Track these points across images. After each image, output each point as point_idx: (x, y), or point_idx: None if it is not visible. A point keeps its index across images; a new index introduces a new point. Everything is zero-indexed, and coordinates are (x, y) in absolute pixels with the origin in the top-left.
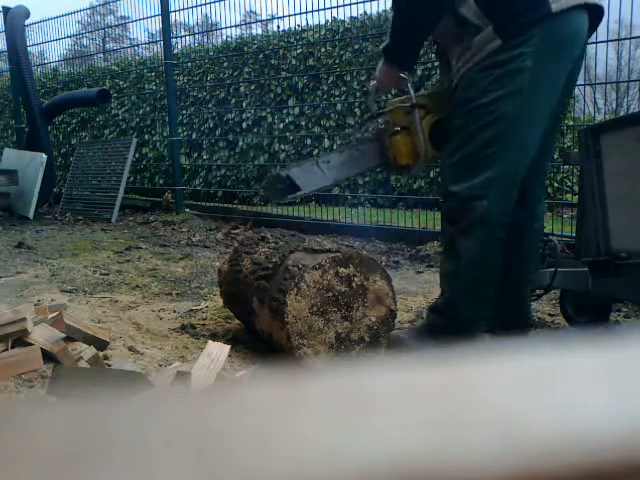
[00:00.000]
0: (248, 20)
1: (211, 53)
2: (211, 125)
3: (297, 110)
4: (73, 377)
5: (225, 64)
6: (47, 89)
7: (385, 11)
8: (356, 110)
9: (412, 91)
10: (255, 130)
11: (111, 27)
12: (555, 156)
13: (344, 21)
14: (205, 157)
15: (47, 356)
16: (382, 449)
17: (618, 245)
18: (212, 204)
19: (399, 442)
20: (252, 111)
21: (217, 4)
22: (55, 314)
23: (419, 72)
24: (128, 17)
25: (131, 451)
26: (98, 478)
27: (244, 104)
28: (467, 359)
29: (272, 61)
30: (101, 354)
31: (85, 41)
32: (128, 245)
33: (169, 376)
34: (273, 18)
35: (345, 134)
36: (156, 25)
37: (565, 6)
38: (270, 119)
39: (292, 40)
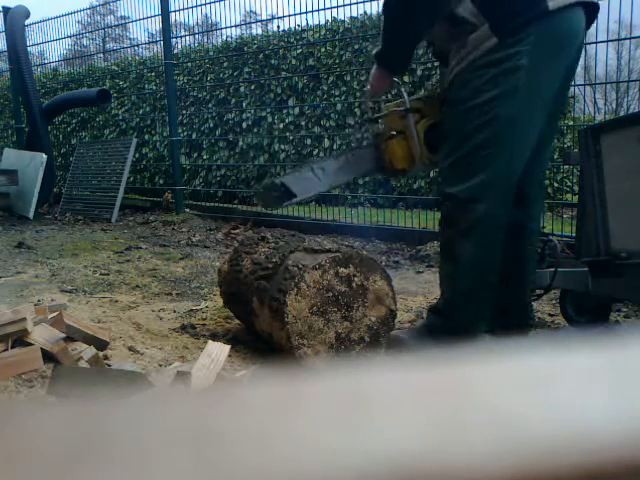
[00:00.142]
0: (248, 20)
1: (211, 53)
2: (211, 125)
3: (297, 110)
4: (73, 377)
5: (225, 64)
6: (47, 89)
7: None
8: (356, 110)
9: (406, 95)
10: (255, 130)
11: (111, 27)
12: (555, 156)
13: (344, 21)
14: (205, 157)
15: (47, 356)
16: (382, 449)
17: (618, 245)
18: (212, 204)
19: (399, 442)
20: (252, 111)
21: (217, 4)
22: (55, 314)
23: (419, 72)
24: (128, 17)
25: (131, 451)
26: (98, 478)
27: (244, 104)
28: (467, 359)
29: (272, 61)
30: (101, 354)
31: (85, 41)
32: (128, 245)
33: (169, 376)
34: (273, 18)
35: (345, 134)
36: (156, 25)
37: (562, 4)
38: (270, 119)
39: (292, 40)
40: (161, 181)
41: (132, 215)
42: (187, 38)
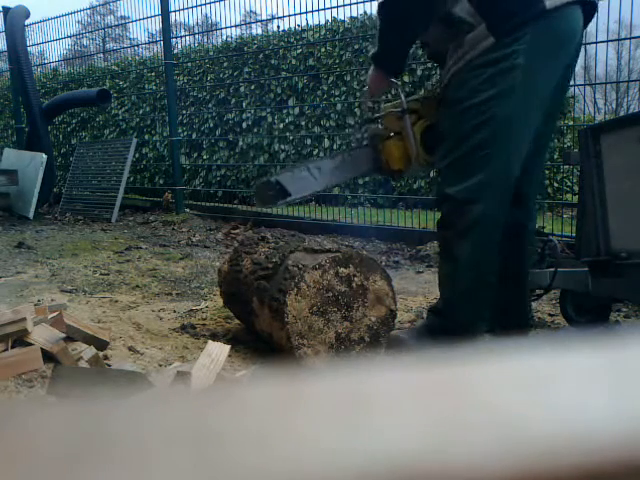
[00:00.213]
0: (248, 20)
1: (211, 53)
2: (211, 125)
3: (297, 110)
4: (73, 377)
5: (225, 64)
6: (47, 89)
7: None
8: (356, 110)
9: (403, 96)
10: (255, 130)
11: (111, 27)
12: (555, 156)
13: (344, 21)
14: (205, 157)
15: (47, 356)
16: (382, 449)
17: (618, 245)
18: (212, 204)
19: (399, 442)
20: (252, 111)
21: (217, 4)
22: (55, 314)
23: (419, 72)
24: (128, 17)
25: (131, 451)
26: (98, 478)
27: (244, 104)
28: (467, 359)
29: (272, 61)
30: (101, 354)
31: (85, 41)
32: (128, 245)
33: (169, 376)
34: (273, 18)
35: (345, 134)
36: (156, 25)
37: (559, 2)
38: (270, 119)
39: (292, 40)
40: (161, 181)
41: (132, 215)
42: (187, 38)
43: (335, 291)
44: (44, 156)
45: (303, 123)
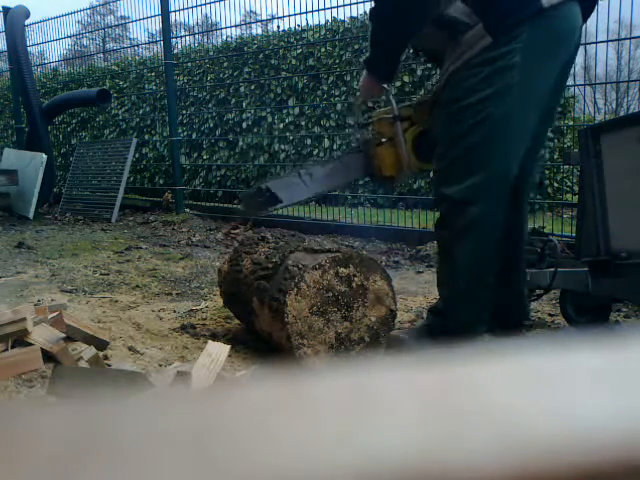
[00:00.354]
0: (248, 20)
1: (211, 53)
2: (211, 125)
3: (297, 110)
4: (73, 377)
5: (225, 64)
6: (47, 89)
7: None
8: (355, 111)
9: (394, 102)
10: (255, 130)
11: (111, 27)
12: (555, 156)
13: (344, 21)
14: (205, 157)
15: (47, 356)
16: (382, 449)
17: (618, 245)
18: (212, 204)
19: (399, 442)
20: (252, 111)
21: (217, 4)
22: (55, 314)
23: (419, 72)
24: (128, 17)
25: (131, 451)
26: (98, 478)
27: (244, 104)
28: (467, 359)
29: (272, 61)
30: (101, 354)
31: (85, 41)
32: (128, 245)
33: (169, 376)
34: (273, 18)
35: (345, 134)
36: (156, 25)
37: (556, 1)
38: (270, 119)
39: (292, 40)
40: (161, 181)
41: (132, 215)
42: (187, 38)
43: (335, 291)
44: (44, 156)
45: (303, 123)
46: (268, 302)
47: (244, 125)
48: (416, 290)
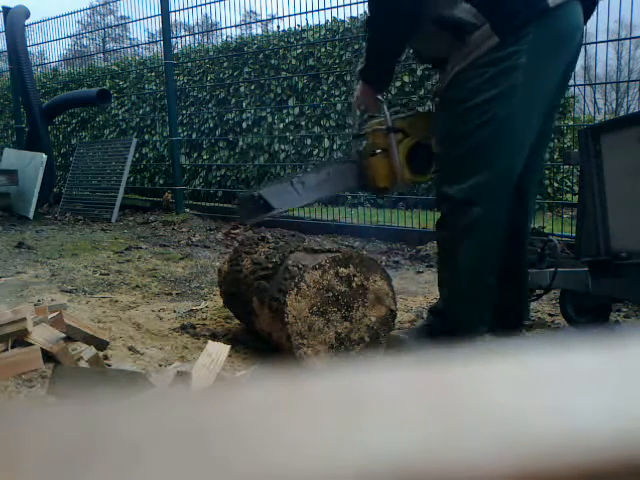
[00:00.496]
0: (248, 20)
1: (211, 53)
2: (211, 125)
3: (297, 110)
4: (73, 377)
5: (225, 64)
6: (47, 89)
7: None
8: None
9: (388, 114)
10: (255, 130)
11: (111, 27)
12: (555, 156)
13: (344, 21)
14: (205, 157)
15: (47, 356)
16: (382, 448)
17: (618, 245)
18: (212, 204)
19: (399, 441)
20: (252, 111)
21: (217, 4)
22: (55, 314)
23: (419, 72)
24: (128, 17)
25: (131, 451)
26: (98, 478)
27: (244, 104)
28: (467, 359)
29: (272, 61)
30: (101, 354)
31: (85, 41)
32: (128, 245)
33: (169, 376)
34: (273, 18)
35: (345, 134)
36: (156, 25)
37: (561, 0)
38: (270, 119)
39: (292, 40)
40: (161, 181)
41: (132, 215)
42: (187, 38)
43: (335, 291)
44: (44, 156)
45: (303, 123)
46: (268, 302)
47: (244, 125)
48: (416, 290)
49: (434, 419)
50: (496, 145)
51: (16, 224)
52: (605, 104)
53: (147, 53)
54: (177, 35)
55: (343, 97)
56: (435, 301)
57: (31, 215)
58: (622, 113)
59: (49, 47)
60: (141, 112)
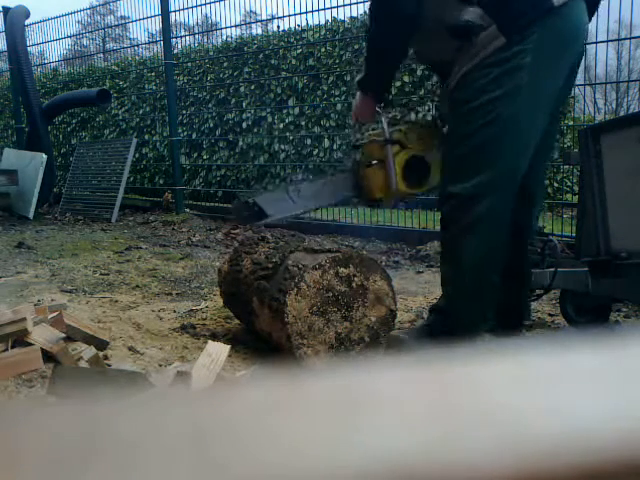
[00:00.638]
0: (248, 20)
1: (211, 53)
2: (211, 125)
3: (297, 110)
4: (73, 377)
5: (225, 64)
6: (47, 89)
7: None
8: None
9: (386, 126)
10: (255, 130)
11: (111, 27)
12: (555, 156)
13: (344, 21)
14: (205, 157)
15: (47, 356)
16: (382, 448)
17: (618, 245)
18: (212, 204)
19: (399, 441)
20: (252, 111)
21: (217, 4)
22: (55, 314)
23: (419, 72)
24: (128, 17)
25: (131, 451)
26: (98, 478)
27: (244, 104)
28: (467, 359)
29: (272, 61)
30: (101, 354)
31: (85, 41)
32: (128, 245)
33: (169, 376)
34: (273, 18)
35: (345, 134)
36: (156, 25)
37: None
38: (270, 119)
39: (292, 40)
40: (161, 181)
41: (132, 215)
42: (187, 38)
43: (335, 291)
44: (44, 156)
45: (303, 123)
46: (268, 302)
47: (244, 125)
48: (416, 290)
49: (434, 419)
50: (500, 145)
51: (16, 224)
52: (605, 104)
53: (147, 53)
54: (177, 35)
55: (343, 97)
56: (435, 301)
57: (31, 215)
58: (622, 113)
59: (49, 47)
60: (141, 112)
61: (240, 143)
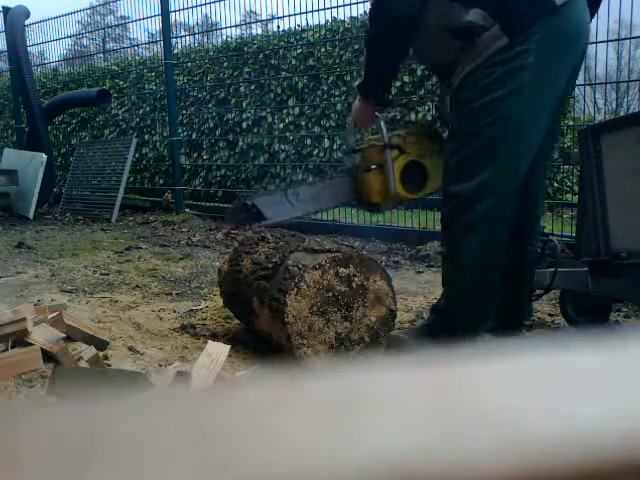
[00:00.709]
0: (248, 20)
1: (211, 53)
2: (211, 125)
3: (297, 110)
4: (73, 377)
5: (225, 64)
6: (47, 89)
7: None
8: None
9: (385, 131)
10: (255, 130)
11: (111, 27)
12: (555, 156)
13: (344, 21)
14: (205, 157)
15: (47, 356)
16: (382, 448)
17: (618, 245)
18: (212, 204)
19: (399, 441)
20: (252, 111)
21: (217, 4)
22: (55, 314)
23: (419, 72)
24: (128, 17)
25: (131, 451)
26: (98, 478)
27: (244, 104)
28: (467, 359)
29: (272, 61)
30: (101, 354)
31: (85, 41)
32: (128, 245)
33: (169, 376)
34: (273, 18)
35: (343, 135)
36: (156, 25)
37: None
38: (270, 119)
39: (292, 40)
40: (161, 181)
41: (132, 215)
42: (187, 38)
43: (335, 291)
44: (44, 156)
45: (303, 123)
46: (268, 302)
47: (244, 125)
48: (416, 290)
49: (434, 419)
50: (502, 144)
51: (16, 224)
52: (605, 104)
53: (147, 53)
54: (177, 35)
55: (343, 97)
56: (436, 300)
57: (31, 215)
58: (622, 113)
59: (49, 47)
60: (141, 112)
61: (240, 143)
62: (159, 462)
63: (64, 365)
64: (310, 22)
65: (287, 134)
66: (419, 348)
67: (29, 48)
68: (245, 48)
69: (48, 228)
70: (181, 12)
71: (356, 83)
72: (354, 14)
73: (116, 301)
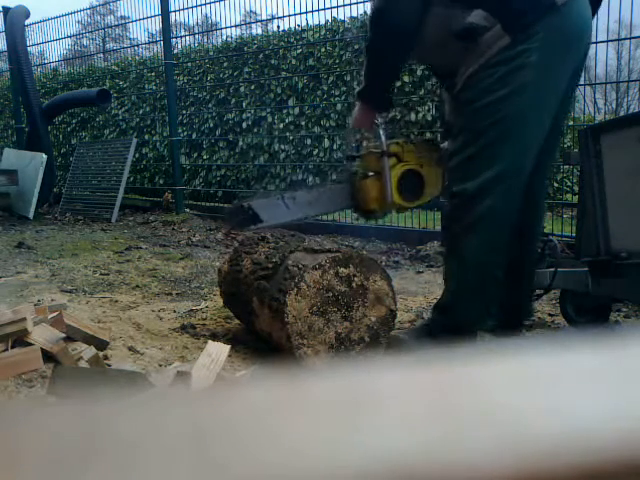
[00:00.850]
0: (248, 20)
1: (211, 53)
2: (211, 125)
3: (297, 110)
4: (73, 377)
5: (225, 64)
6: (47, 89)
7: None
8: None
9: (383, 138)
10: (255, 130)
11: (111, 27)
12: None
13: (344, 21)
14: (205, 157)
15: (47, 356)
16: (382, 448)
17: (618, 245)
18: (212, 204)
19: (399, 441)
20: (252, 111)
21: (217, 4)
22: (55, 314)
23: (419, 72)
24: (128, 17)
25: (131, 451)
26: (98, 478)
27: (244, 104)
28: (467, 359)
29: (272, 61)
30: (101, 354)
31: (85, 41)
32: (128, 245)
33: (169, 376)
34: (273, 18)
35: (343, 135)
36: (156, 25)
37: None
38: (270, 119)
39: (292, 40)
40: (161, 181)
41: (132, 215)
42: (187, 38)
43: (335, 291)
44: (44, 156)
45: (303, 123)
46: (268, 302)
47: (244, 125)
48: (416, 290)
49: (434, 419)
50: (505, 143)
51: (16, 224)
52: (605, 104)
53: (147, 53)
54: (177, 35)
55: (343, 97)
56: (436, 300)
57: (31, 215)
58: (622, 113)
59: (49, 47)
60: (141, 112)
61: (240, 143)
62: (159, 462)
63: (64, 365)
64: (310, 22)
65: (287, 134)
66: (419, 348)
67: (29, 48)
68: (245, 48)
69: (48, 228)
70: (181, 12)
71: (357, 90)
72: (354, 14)
73: (116, 301)
